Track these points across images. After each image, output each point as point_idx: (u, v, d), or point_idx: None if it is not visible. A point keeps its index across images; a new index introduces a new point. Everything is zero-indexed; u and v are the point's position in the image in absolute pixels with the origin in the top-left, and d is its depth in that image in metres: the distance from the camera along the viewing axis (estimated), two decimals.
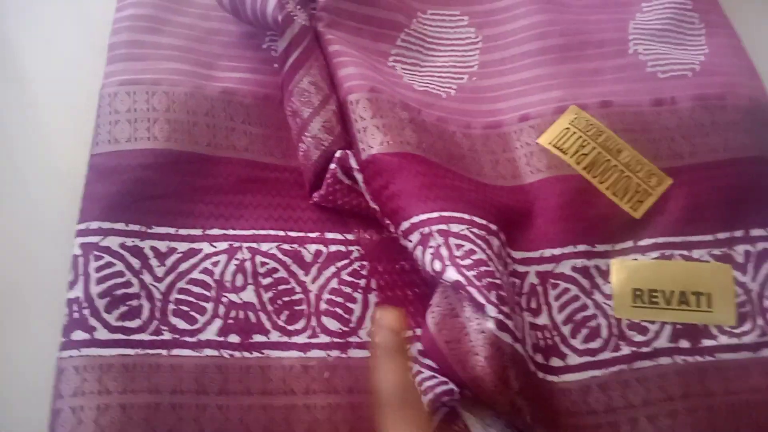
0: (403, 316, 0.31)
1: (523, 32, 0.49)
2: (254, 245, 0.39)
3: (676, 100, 0.46)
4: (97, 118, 0.42)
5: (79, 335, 0.35)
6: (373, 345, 0.31)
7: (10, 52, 0.47)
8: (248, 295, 0.38)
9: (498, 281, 0.35)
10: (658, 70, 0.47)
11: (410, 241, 0.37)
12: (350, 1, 0.47)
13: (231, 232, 0.40)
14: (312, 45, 0.43)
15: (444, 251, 0.36)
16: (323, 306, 0.39)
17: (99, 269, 0.37)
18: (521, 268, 0.40)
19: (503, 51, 0.49)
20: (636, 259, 0.41)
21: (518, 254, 0.40)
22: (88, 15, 0.49)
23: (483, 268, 0.35)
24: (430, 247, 0.36)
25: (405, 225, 0.38)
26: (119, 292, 0.37)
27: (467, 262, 0.35)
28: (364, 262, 0.40)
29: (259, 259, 0.39)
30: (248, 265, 0.39)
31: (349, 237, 0.41)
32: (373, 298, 0.39)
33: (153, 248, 0.38)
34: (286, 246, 0.40)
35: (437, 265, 0.36)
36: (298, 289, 0.39)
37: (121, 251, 0.38)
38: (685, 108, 0.45)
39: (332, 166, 0.41)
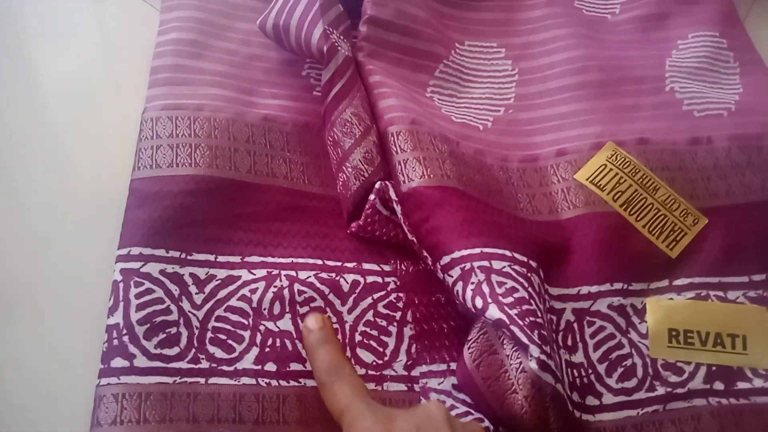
0: (324, 317, 0.36)
1: (561, 66, 0.49)
2: (292, 273, 0.39)
3: (713, 139, 0.46)
4: (138, 143, 0.42)
5: (118, 362, 0.35)
6: (306, 344, 0.35)
7: (47, 77, 0.48)
8: (285, 323, 0.38)
9: (540, 320, 0.35)
10: (694, 108, 0.47)
11: (450, 276, 0.37)
12: (392, 31, 0.47)
13: (269, 259, 0.40)
14: (355, 76, 0.43)
15: (486, 288, 0.36)
16: (358, 338, 0.38)
17: (139, 295, 0.37)
18: (558, 305, 0.40)
19: (540, 84, 0.49)
20: (671, 299, 0.40)
21: (555, 290, 0.40)
22: (124, 36, 0.50)
23: (525, 307, 0.35)
24: (471, 283, 0.36)
25: (445, 260, 0.37)
26: (158, 319, 0.36)
27: (509, 300, 0.35)
28: (401, 294, 0.40)
29: (297, 287, 0.39)
30: (286, 293, 0.39)
31: (386, 268, 0.41)
32: (408, 330, 0.39)
33: (192, 275, 0.38)
34: (323, 275, 0.39)
35: (479, 302, 0.35)
36: (334, 318, 0.39)
37: (161, 278, 0.37)
38: (721, 148, 0.45)
39: (371, 197, 0.41)
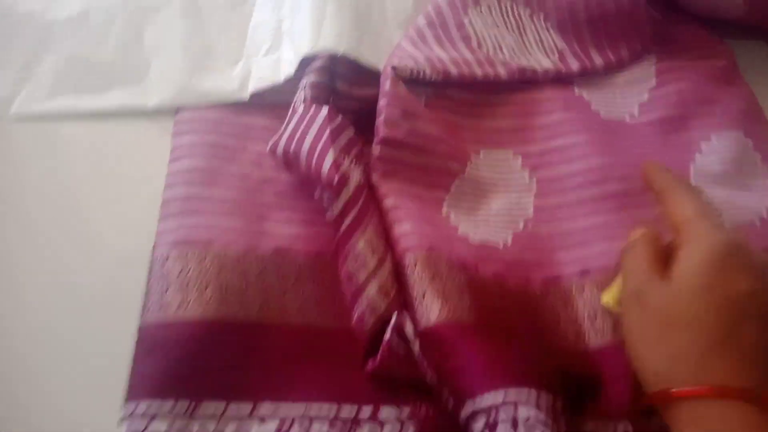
0: None
1: (581, 176, 0.47)
2: (306, 424, 0.37)
3: None
4: (147, 283, 0.41)
5: None
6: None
7: (48, 211, 0.46)
8: None
9: None
10: (723, 218, 0.44)
11: (475, 423, 0.34)
12: (405, 150, 0.45)
13: (282, 405, 0.37)
14: (367, 204, 0.42)
15: None
16: None
17: None
18: None
19: (559, 196, 0.47)
20: None
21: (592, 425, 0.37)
22: (132, 160, 0.48)
23: None
24: None
25: (468, 408, 0.35)
26: None
27: None
28: None
29: None
30: None
31: (405, 411, 0.38)
32: None
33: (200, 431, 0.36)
34: (339, 424, 0.37)
35: None
36: None
37: None
38: None
39: (388, 333, 0.38)
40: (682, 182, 0.37)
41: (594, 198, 0.46)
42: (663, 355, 0.31)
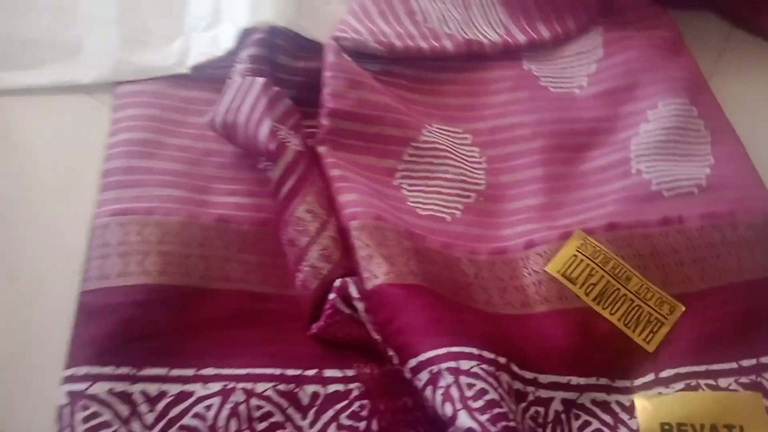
0: None
1: (529, 156, 0.51)
2: (249, 386, 0.39)
3: (684, 218, 0.47)
4: (87, 252, 0.43)
5: None
6: None
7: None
8: None
9: (512, 423, 0.35)
10: (663, 188, 0.49)
11: (419, 379, 0.38)
12: (354, 121, 0.49)
13: (225, 371, 0.40)
14: (307, 171, 0.45)
15: (455, 392, 0.36)
16: None
17: (86, 419, 0.37)
18: (545, 394, 0.40)
19: (509, 175, 0.51)
20: (660, 393, 0.40)
21: (545, 377, 0.40)
22: (76, 136, 0.51)
23: (496, 410, 0.36)
24: (440, 387, 0.37)
25: (412, 362, 0.38)
26: None
27: (479, 404, 0.36)
28: (365, 401, 0.40)
29: (254, 402, 0.39)
30: (243, 408, 0.39)
31: (349, 373, 0.41)
32: None
33: (143, 393, 0.38)
34: (282, 387, 0.40)
35: (448, 409, 0.36)
36: None
37: (109, 398, 0.38)
38: (693, 228, 0.46)
39: (331, 296, 0.41)
40: None
41: (541, 178, 0.50)
42: None
